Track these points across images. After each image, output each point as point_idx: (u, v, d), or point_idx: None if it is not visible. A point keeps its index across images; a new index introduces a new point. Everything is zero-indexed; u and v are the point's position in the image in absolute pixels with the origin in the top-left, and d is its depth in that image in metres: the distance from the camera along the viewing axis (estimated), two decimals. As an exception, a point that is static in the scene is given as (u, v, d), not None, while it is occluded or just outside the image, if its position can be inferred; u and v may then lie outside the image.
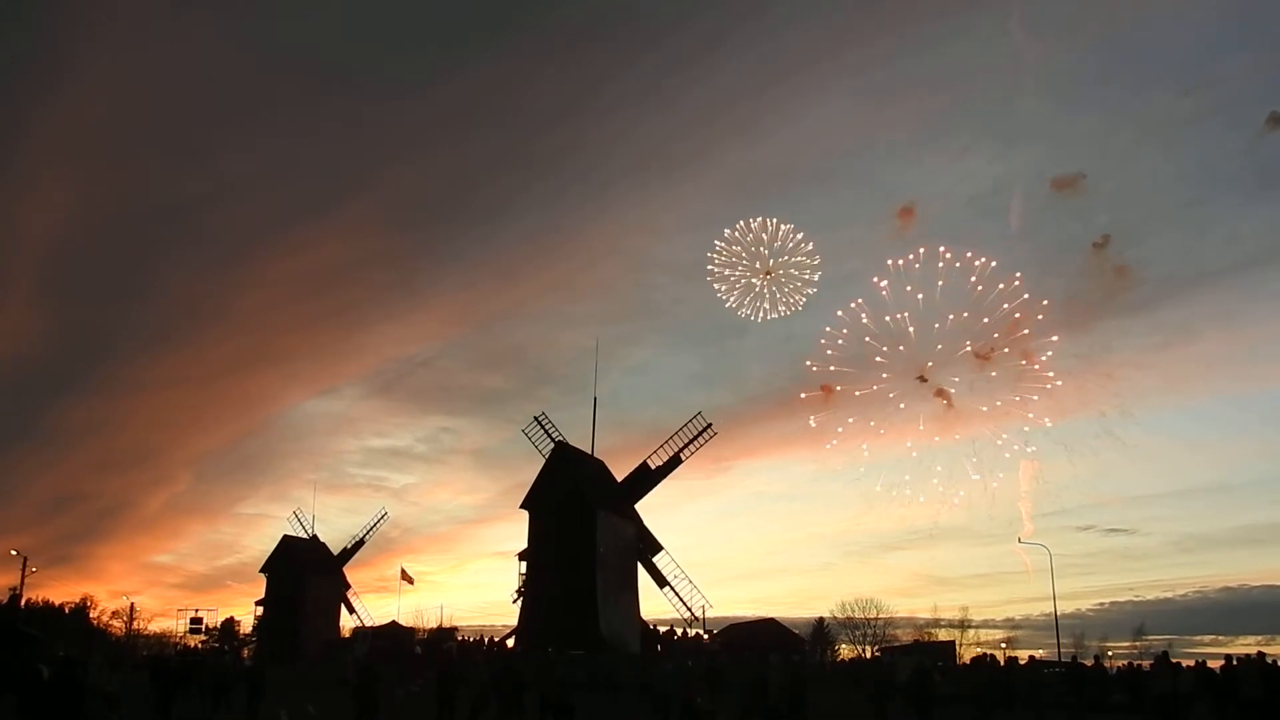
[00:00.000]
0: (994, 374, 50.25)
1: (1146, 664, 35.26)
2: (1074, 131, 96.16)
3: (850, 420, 52.55)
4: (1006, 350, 49.68)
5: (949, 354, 50.86)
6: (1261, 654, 25.59)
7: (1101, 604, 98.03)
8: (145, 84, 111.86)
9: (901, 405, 51.78)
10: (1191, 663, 28.46)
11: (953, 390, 51.09)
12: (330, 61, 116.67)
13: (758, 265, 56.82)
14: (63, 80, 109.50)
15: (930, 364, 51.02)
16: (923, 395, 51.55)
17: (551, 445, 59.44)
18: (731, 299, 57.65)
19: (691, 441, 61.11)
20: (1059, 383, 49.32)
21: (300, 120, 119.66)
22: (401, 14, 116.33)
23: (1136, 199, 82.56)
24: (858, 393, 52.25)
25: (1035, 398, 49.77)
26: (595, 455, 61.63)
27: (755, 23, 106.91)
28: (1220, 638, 76.62)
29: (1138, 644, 68.06)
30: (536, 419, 60.62)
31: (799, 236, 56.58)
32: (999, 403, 50.51)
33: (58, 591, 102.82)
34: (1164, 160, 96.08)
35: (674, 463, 61.58)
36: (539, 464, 58.84)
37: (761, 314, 57.52)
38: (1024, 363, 49.79)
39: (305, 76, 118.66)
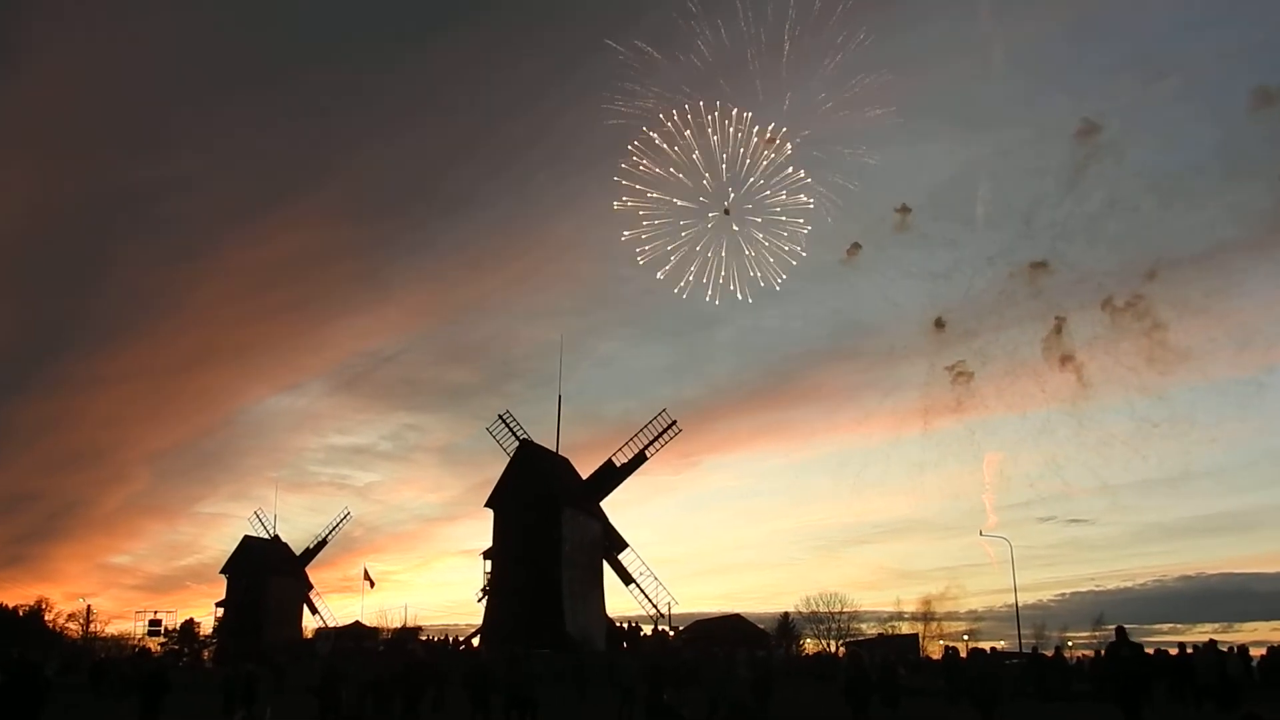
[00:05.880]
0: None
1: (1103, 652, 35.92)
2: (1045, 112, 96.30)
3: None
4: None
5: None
6: (1214, 642, 26.33)
7: (1063, 594, 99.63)
8: (99, 71, 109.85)
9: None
10: (1150, 651, 29.03)
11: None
12: (290, 46, 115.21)
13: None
14: (14, 67, 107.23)
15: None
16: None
17: (516, 443, 59.31)
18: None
19: (656, 439, 61.31)
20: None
21: (259, 107, 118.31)
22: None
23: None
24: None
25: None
26: (561, 452, 61.59)
27: (724, 6, 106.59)
28: (1179, 626, 78.25)
29: (1097, 634, 69.27)
30: (501, 417, 60.49)
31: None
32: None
33: (11, 594, 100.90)
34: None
35: (639, 460, 61.73)
36: (504, 460, 58.73)
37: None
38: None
39: (264, 61, 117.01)
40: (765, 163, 57.39)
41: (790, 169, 58.24)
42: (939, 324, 50.44)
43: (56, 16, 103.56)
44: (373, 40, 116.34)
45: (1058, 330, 53.81)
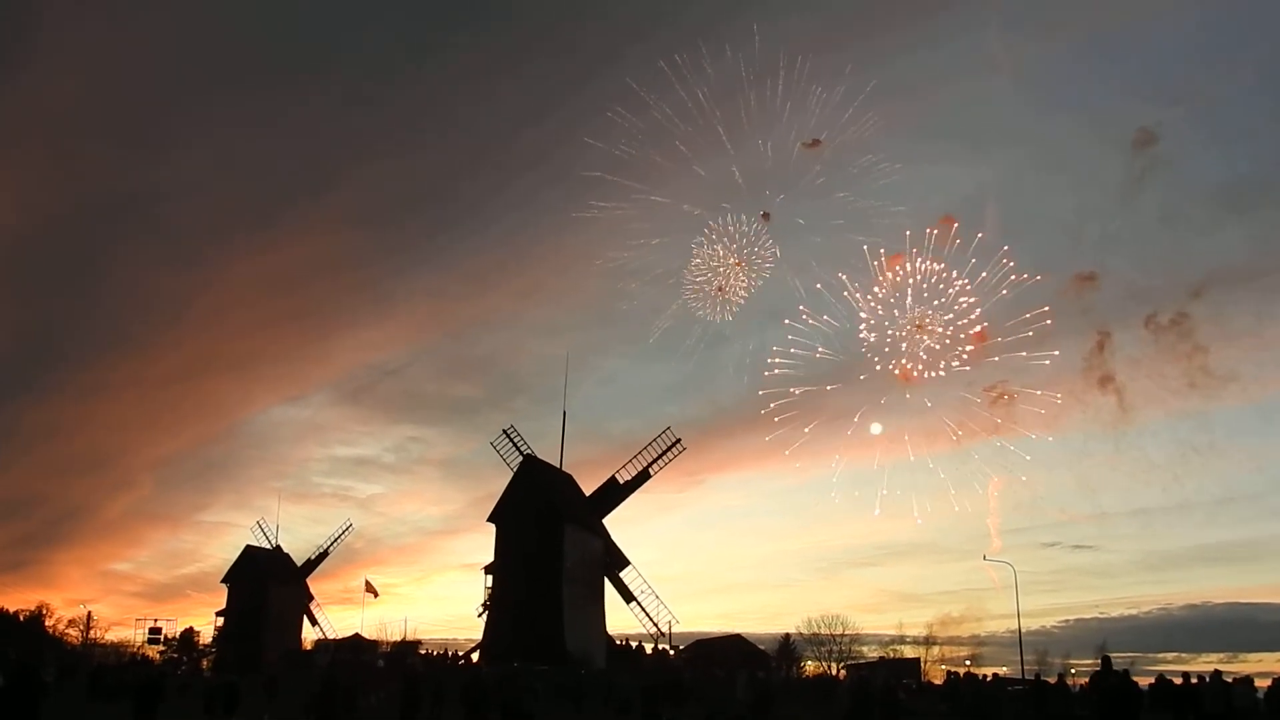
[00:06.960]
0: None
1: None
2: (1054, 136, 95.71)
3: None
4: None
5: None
6: (1219, 672, 26.07)
7: (1066, 621, 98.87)
8: (100, 73, 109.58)
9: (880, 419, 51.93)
10: (1152, 679, 28.81)
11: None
12: (295, 50, 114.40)
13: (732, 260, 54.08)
14: (13, 69, 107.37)
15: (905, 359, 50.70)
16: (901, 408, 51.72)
17: (520, 458, 59.27)
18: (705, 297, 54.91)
19: (660, 456, 61.20)
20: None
21: (264, 112, 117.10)
22: (371, 5, 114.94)
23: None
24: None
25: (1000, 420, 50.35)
26: (564, 468, 61.54)
27: (732, 25, 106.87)
28: (1183, 655, 77.54)
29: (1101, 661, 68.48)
30: (505, 432, 60.53)
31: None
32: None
33: (12, 599, 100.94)
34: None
35: (643, 477, 61.61)
36: (508, 475, 58.70)
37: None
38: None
39: (269, 65, 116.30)
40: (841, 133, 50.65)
41: (869, 157, 51.34)
42: (980, 336, 49.67)
43: (57, 17, 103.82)
44: (381, 48, 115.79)
45: (1100, 348, 53.08)
